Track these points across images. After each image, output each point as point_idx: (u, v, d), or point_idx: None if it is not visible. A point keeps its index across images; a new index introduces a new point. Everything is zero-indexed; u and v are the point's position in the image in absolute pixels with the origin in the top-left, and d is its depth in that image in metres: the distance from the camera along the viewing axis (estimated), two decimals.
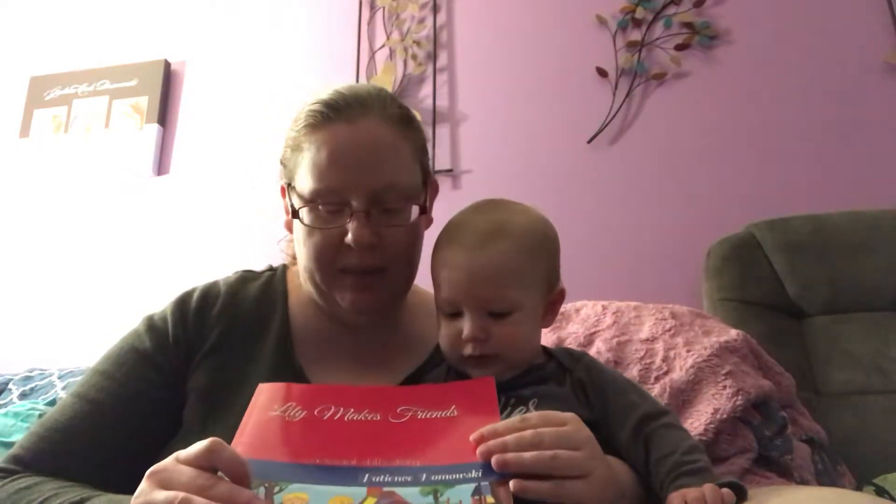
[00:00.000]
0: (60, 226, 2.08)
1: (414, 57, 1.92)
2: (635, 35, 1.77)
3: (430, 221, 0.84)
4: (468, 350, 0.66)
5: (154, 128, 2.06)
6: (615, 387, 0.67)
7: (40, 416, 1.41)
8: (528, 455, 0.51)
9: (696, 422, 0.91)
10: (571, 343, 1.09)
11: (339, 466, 0.52)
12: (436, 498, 0.49)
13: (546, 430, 0.53)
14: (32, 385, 1.58)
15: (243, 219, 1.94)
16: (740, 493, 0.55)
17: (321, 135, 0.72)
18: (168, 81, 2.14)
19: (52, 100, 2.18)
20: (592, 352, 1.06)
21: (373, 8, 2.02)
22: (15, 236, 2.10)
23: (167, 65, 2.14)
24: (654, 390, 0.97)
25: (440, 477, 0.51)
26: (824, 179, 1.54)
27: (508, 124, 1.81)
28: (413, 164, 0.77)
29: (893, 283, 1.28)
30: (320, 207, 0.72)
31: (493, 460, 0.51)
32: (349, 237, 0.70)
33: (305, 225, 0.73)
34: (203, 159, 2.04)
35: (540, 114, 1.79)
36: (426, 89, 1.89)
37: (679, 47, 1.72)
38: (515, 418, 0.55)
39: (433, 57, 1.91)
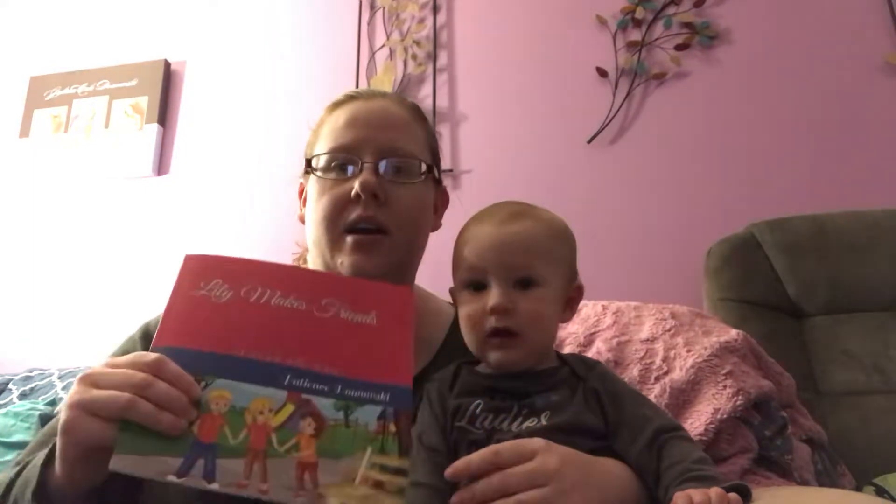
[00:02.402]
0: (61, 226, 2.08)
1: (414, 57, 1.92)
2: (635, 35, 1.77)
3: (437, 226, 0.85)
4: (492, 322, 0.65)
5: (154, 128, 2.06)
6: (630, 399, 0.67)
7: (40, 416, 1.41)
8: None
9: (696, 422, 0.91)
10: (571, 343, 1.09)
11: (262, 362, 0.56)
12: (346, 414, 0.55)
13: (512, 471, 0.54)
14: (32, 385, 1.58)
15: (243, 219, 1.94)
16: (745, 496, 0.55)
17: (340, 109, 0.80)
18: (168, 81, 2.14)
19: (52, 100, 2.18)
20: (592, 352, 1.06)
21: (373, 8, 2.02)
22: (15, 236, 2.10)
23: (167, 65, 2.14)
24: (654, 390, 0.97)
25: (353, 393, 0.56)
26: (824, 179, 1.54)
27: (508, 124, 1.81)
28: (423, 144, 0.82)
29: (893, 283, 1.28)
30: (332, 165, 0.76)
31: None
32: (355, 188, 0.72)
33: (318, 178, 0.77)
34: (203, 159, 2.04)
35: (540, 114, 1.79)
36: (426, 89, 1.89)
37: (679, 47, 1.72)
38: (489, 451, 0.56)
39: (433, 57, 1.91)
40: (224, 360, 0.55)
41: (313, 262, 0.82)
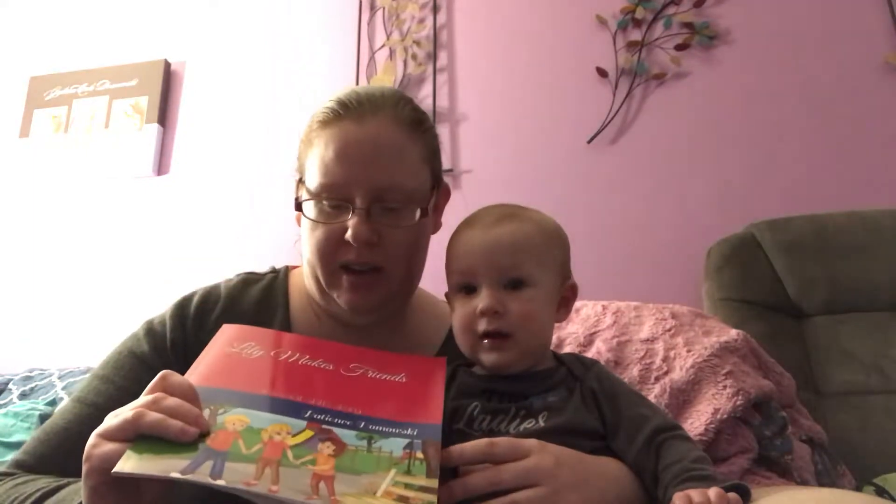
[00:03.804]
0: (60, 226, 2.08)
1: (414, 57, 1.92)
2: (635, 35, 1.77)
3: (438, 226, 0.84)
4: (483, 325, 0.65)
5: (154, 128, 2.06)
6: (627, 398, 0.66)
7: (40, 416, 1.41)
8: None
9: (696, 422, 0.91)
10: (571, 343, 1.09)
11: (284, 399, 0.55)
12: (369, 443, 0.52)
13: (506, 467, 0.54)
14: (32, 385, 1.58)
15: (243, 219, 1.94)
16: (745, 495, 0.55)
17: (330, 131, 0.73)
18: (168, 81, 2.14)
19: (52, 100, 2.18)
20: (592, 352, 1.06)
21: (373, 8, 2.02)
22: (15, 236, 2.10)
23: (167, 65, 2.14)
24: (654, 390, 0.97)
25: (378, 428, 0.54)
26: (824, 179, 1.54)
27: (508, 124, 1.81)
28: (420, 167, 0.76)
29: (893, 283, 1.28)
30: (324, 202, 0.73)
31: None
32: (349, 233, 0.70)
33: (309, 219, 0.74)
34: (203, 159, 2.04)
35: (540, 114, 1.79)
36: (426, 89, 1.89)
37: (679, 47, 1.72)
38: (483, 442, 0.56)
39: (433, 57, 1.91)
40: (245, 396, 0.54)
41: (307, 281, 0.81)
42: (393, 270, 0.74)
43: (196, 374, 0.57)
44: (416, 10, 1.96)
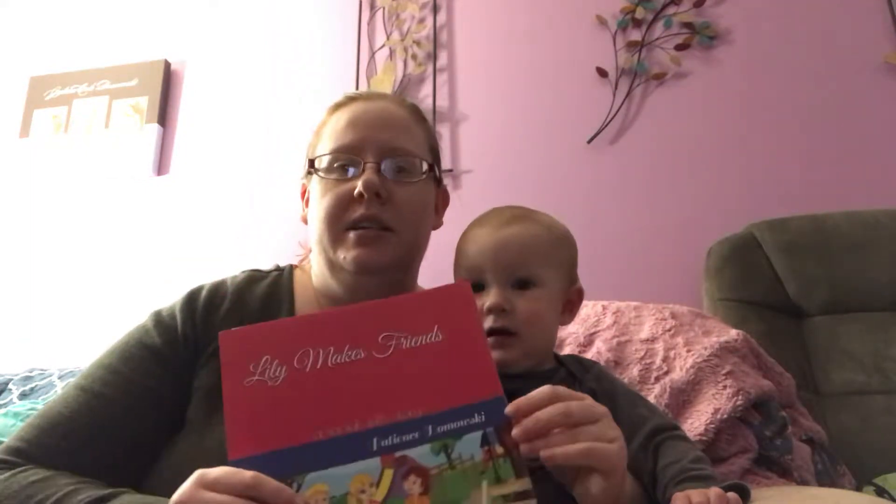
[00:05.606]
0: (60, 226, 2.08)
1: (414, 57, 1.92)
2: (635, 35, 1.77)
3: (438, 224, 0.87)
4: (489, 322, 0.66)
5: (154, 128, 2.06)
6: (626, 399, 0.67)
7: None
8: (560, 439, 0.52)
9: (697, 422, 0.91)
10: (571, 343, 1.09)
11: (345, 436, 0.53)
12: (448, 455, 0.51)
13: (574, 402, 0.54)
14: (32, 385, 1.58)
15: (243, 219, 1.94)
16: (745, 495, 0.55)
17: (342, 110, 0.82)
18: (168, 81, 2.14)
19: (52, 100, 2.18)
20: (592, 352, 1.06)
21: (373, 8, 2.02)
22: (15, 236, 2.10)
23: (167, 65, 2.14)
24: (654, 390, 0.97)
25: (445, 427, 0.53)
26: (824, 179, 1.54)
27: (508, 124, 1.81)
28: (424, 148, 0.83)
29: (893, 283, 1.28)
30: (335, 166, 0.78)
31: (542, 454, 0.51)
32: (358, 187, 0.74)
33: (321, 178, 0.78)
34: (203, 159, 2.04)
35: (540, 114, 1.79)
36: (426, 89, 1.89)
37: (679, 47, 1.72)
38: (549, 388, 0.55)
39: (433, 57, 1.91)
40: (307, 451, 0.52)
41: (316, 261, 0.83)
42: (400, 232, 0.76)
43: (240, 437, 0.53)
44: (416, 10, 1.96)
